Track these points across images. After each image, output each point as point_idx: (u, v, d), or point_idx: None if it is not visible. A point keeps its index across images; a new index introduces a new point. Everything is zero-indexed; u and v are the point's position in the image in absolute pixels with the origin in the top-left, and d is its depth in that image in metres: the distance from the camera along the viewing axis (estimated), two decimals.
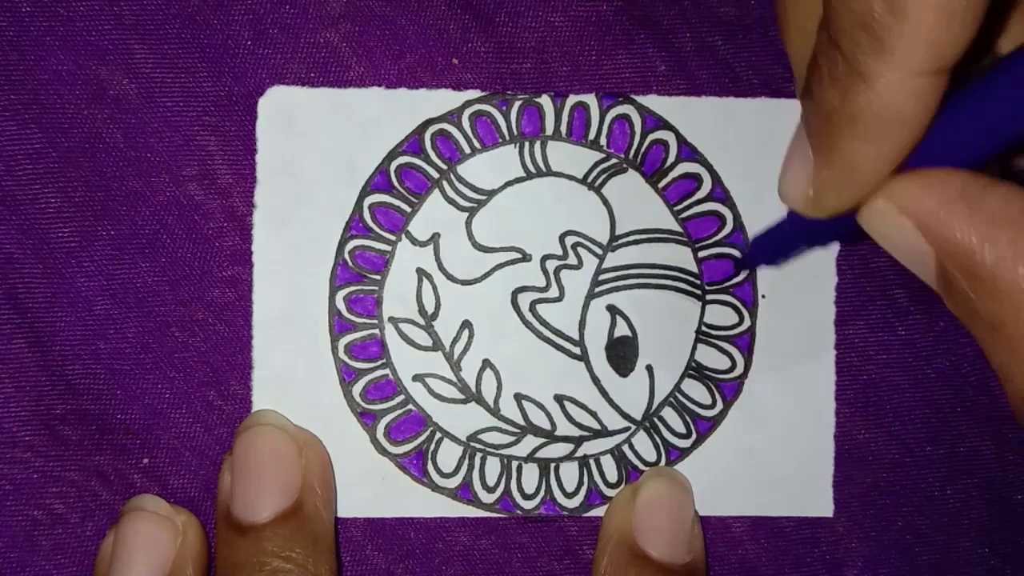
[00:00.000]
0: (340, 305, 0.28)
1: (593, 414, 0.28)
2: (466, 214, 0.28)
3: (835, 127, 0.20)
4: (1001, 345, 0.20)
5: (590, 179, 0.28)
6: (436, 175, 0.28)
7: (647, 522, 0.27)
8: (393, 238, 0.28)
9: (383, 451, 0.28)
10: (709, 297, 0.28)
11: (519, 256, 0.28)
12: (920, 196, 0.20)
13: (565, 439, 0.28)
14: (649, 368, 0.28)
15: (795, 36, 0.24)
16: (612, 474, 0.28)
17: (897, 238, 0.21)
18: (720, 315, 0.28)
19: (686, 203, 0.28)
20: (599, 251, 0.28)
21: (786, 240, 0.26)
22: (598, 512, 0.28)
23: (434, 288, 0.28)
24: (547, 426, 0.28)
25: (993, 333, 0.20)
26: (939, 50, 0.19)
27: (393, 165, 0.28)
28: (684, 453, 0.28)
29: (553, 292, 0.28)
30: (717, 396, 0.28)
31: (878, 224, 0.21)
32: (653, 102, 0.28)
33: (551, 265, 0.28)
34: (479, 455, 0.28)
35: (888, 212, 0.21)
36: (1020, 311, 0.20)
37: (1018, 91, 0.20)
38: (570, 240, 0.28)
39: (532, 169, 0.28)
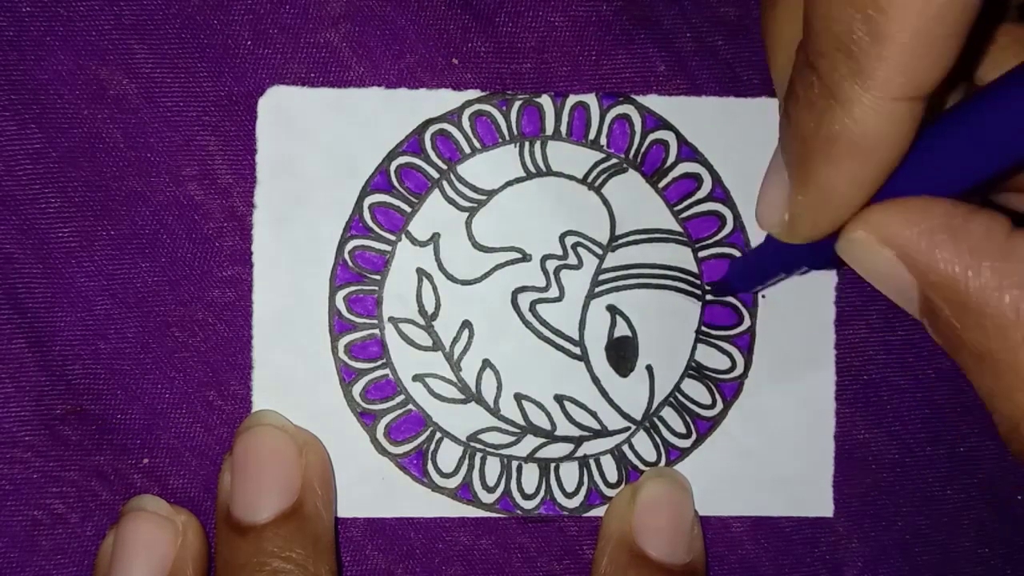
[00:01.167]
0: (340, 305, 0.28)
1: (593, 414, 0.28)
2: (466, 214, 0.28)
3: (811, 152, 0.20)
4: (988, 374, 0.20)
5: (590, 179, 0.28)
6: (436, 175, 0.28)
7: (647, 522, 0.27)
8: (393, 238, 0.28)
9: (383, 451, 0.28)
10: (709, 297, 0.28)
11: (519, 256, 0.28)
12: (901, 226, 0.20)
13: (565, 439, 0.28)
14: (649, 368, 0.28)
15: (779, 60, 0.23)
16: (612, 474, 0.28)
17: (878, 268, 0.21)
18: (720, 315, 0.28)
19: (686, 203, 0.28)
20: (599, 251, 0.28)
21: (763, 266, 0.26)
22: (598, 512, 0.28)
23: (434, 288, 0.28)
24: (547, 426, 0.28)
25: (980, 363, 0.20)
26: (918, 76, 0.19)
27: (393, 165, 0.28)
28: (684, 453, 0.28)
29: (553, 292, 0.28)
30: (717, 396, 0.28)
31: (858, 254, 0.21)
32: (653, 102, 0.28)
33: (551, 265, 0.28)
34: (479, 455, 0.28)
35: (868, 242, 0.21)
36: (1007, 340, 0.19)
37: (999, 120, 0.20)
38: (570, 240, 0.28)
39: (532, 169, 0.28)
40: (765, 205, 0.23)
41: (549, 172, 0.28)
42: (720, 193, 0.28)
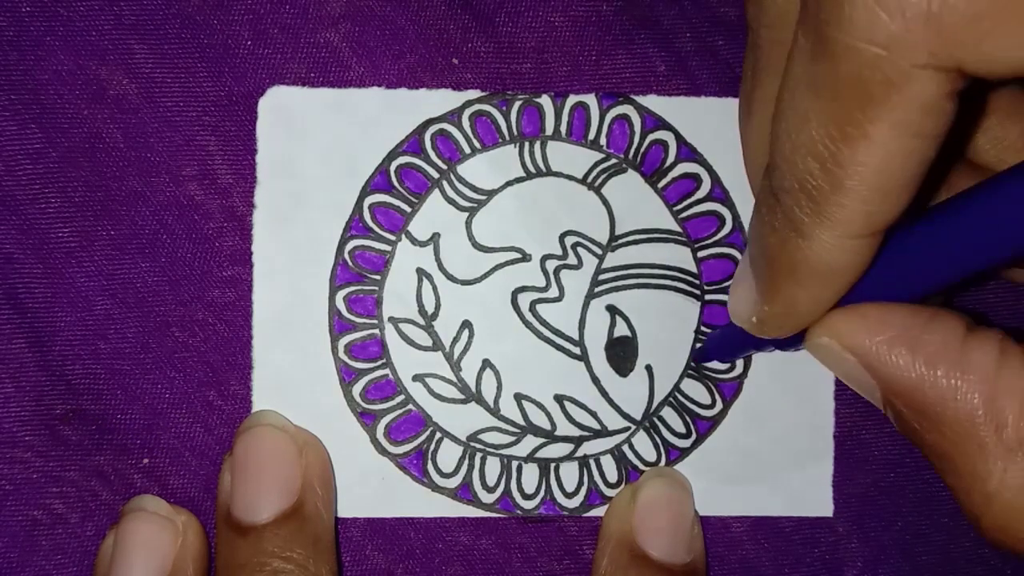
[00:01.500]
0: (340, 305, 0.28)
1: (593, 414, 0.28)
2: (466, 214, 0.28)
3: (775, 272, 0.21)
4: (948, 473, 0.21)
5: (590, 179, 0.28)
6: (436, 175, 0.28)
7: (647, 522, 0.27)
8: (393, 238, 0.28)
9: (383, 451, 0.28)
10: (709, 297, 0.28)
11: (519, 256, 0.28)
12: (861, 334, 0.21)
13: (565, 439, 0.28)
14: (649, 368, 0.28)
15: (754, 170, 0.24)
16: (612, 474, 0.28)
17: (843, 371, 0.22)
18: (720, 315, 0.28)
19: (686, 203, 0.28)
20: (599, 251, 0.28)
21: (737, 344, 0.27)
22: (598, 512, 0.28)
23: (434, 288, 0.28)
24: (547, 426, 0.28)
25: (941, 461, 0.21)
26: (875, 219, 0.19)
27: (393, 165, 0.28)
28: (684, 453, 0.28)
29: (553, 292, 0.28)
30: (717, 396, 0.28)
31: (823, 357, 0.22)
32: (653, 102, 0.28)
33: (551, 265, 0.28)
34: (479, 455, 0.28)
35: (832, 348, 0.22)
36: (964, 446, 0.20)
37: (955, 234, 0.20)
38: (570, 240, 0.28)
39: (532, 169, 0.28)
40: (735, 304, 0.24)
41: (549, 172, 0.28)
42: (719, 193, 0.28)
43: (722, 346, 0.28)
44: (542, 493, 0.28)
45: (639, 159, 0.28)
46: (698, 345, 0.28)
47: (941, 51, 0.17)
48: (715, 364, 0.28)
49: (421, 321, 0.28)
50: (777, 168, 0.20)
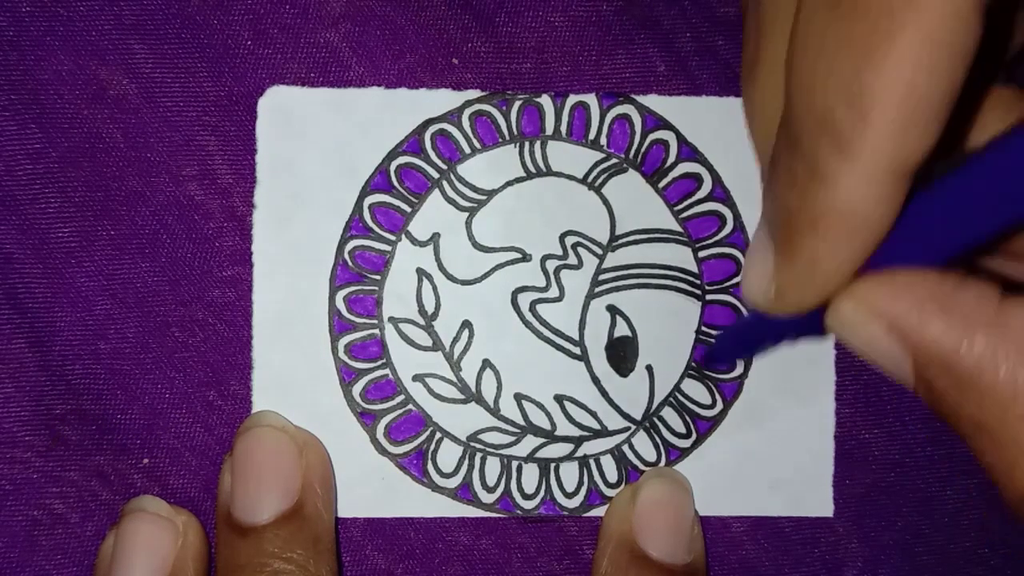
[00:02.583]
0: (340, 305, 0.28)
1: (593, 414, 0.28)
2: (466, 214, 0.28)
3: (796, 227, 0.20)
4: (988, 448, 0.20)
5: (590, 179, 0.28)
6: (436, 175, 0.28)
7: (647, 522, 0.27)
8: (393, 238, 0.28)
9: (383, 451, 0.28)
10: (709, 297, 0.28)
11: (519, 256, 0.28)
12: (890, 299, 0.20)
13: (565, 439, 0.28)
14: (649, 368, 0.28)
15: (761, 131, 0.23)
16: (612, 474, 0.28)
17: (869, 342, 0.21)
18: (720, 315, 0.28)
19: (686, 203, 0.28)
20: (599, 251, 0.28)
21: (751, 338, 0.26)
22: (598, 512, 0.28)
23: (434, 288, 0.28)
24: (547, 426, 0.28)
25: (980, 434, 0.20)
26: (902, 155, 0.18)
27: (393, 165, 0.28)
28: (684, 453, 0.28)
29: (553, 292, 0.28)
30: (717, 396, 0.28)
31: (848, 328, 0.21)
32: (653, 102, 0.28)
33: (551, 265, 0.28)
34: (479, 455, 0.28)
35: (858, 316, 0.20)
36: (1006, 414, 0.19)
37: (985, 187, 0.19)
38: (570, 240, 0.28)
39: (532, 169, 0.28)
40: (751, 278, 0.22)
41: (549, 172, 0.28)
42: (720, 193, 0.28)
43: (733, 344, 0.27)
44: (542, 493, 0.28)
45: (640, 159, 0.28)
46: (699, 346, 0.28)
47: None
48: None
49: (421, 321, 0.28)
50: (795, 110, 0.19)
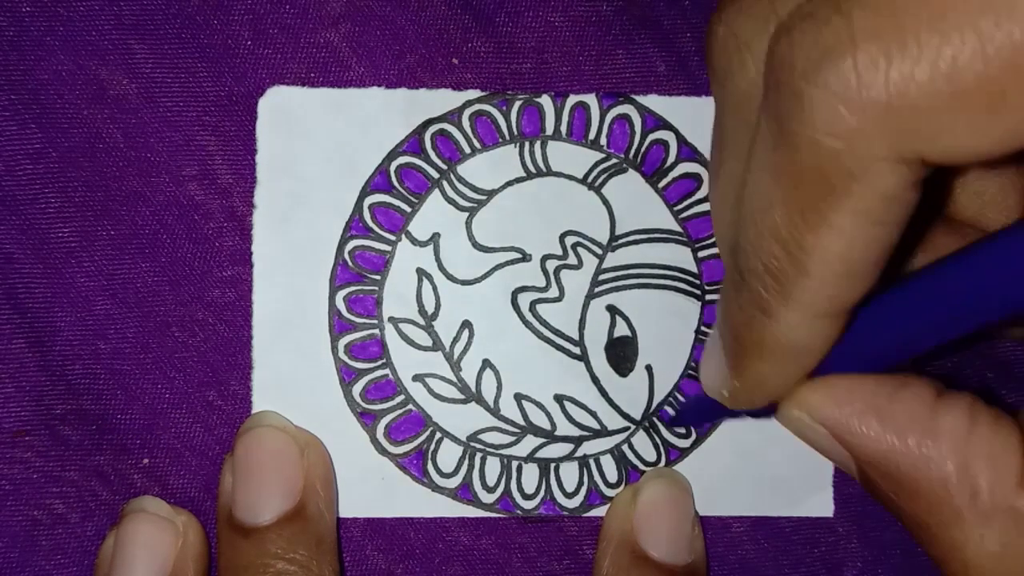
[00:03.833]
0: (340, 305, 0.28)
1: (593, 414, 0.28)
2: (466, 214, 0.28)
3: (743, 349, 0.21)
4: (928, 543, 0.21)
5: (590, 179, 0.28)
6: (436, 175, 0.28)
7: (648, 523, 0.27)
8: (393, 238, 0.28)
9: (383, 451, 0.28)
10: (709, 297, 0.28)
11: (519, 256, 0.28)
12: (830, 407, 0.21)
13: (565, 439, 0.28)
14: (649, 368, 0.28)
15: (721, 229, 0.24)
16: (612, 474, 0.28)
17: (815, 442, 0.22)
18: None
19: (686, 203, 0.28)
20: (599, 251, 0.28)
21: (710, 411, 0.27)
22: (598, 512, 0.28)
23: (434, 288, 0.28)
24: (547, 426, 0.28)
25: (920, 532, 0.21)
26: (839, 301, 0.19)
27: (393, 165, 0.28)
28: (684, 453, 0.28)
29: (553, 292, 0.28)
30: None
31: (795, 429, 0.22)
32: (653, 102, 0.28)
33: (551, 265, 0.28)
34: (479, 455, 0.28)
35: (803, 420, 0.22)
36: (941, 515, 0.20)
37: (922, 306, 0.20)
38: (570, 240, 0.28)
39: (532, 169, 0.28)
40: (707, 375, 0.24)
41: (549, 172, 0.28)
42: None
43: (695, 413, 0.28)
44: (542, 493, 0.28)
45: (640, 159, 0.28)
46: (699, 346, 0.28)
47: (901, 143, 0.17)
48: None
49: (421, 321, 0.28)
50: (742, 249, 0.20)
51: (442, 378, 0.28)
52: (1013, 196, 0.25)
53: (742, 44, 0.21)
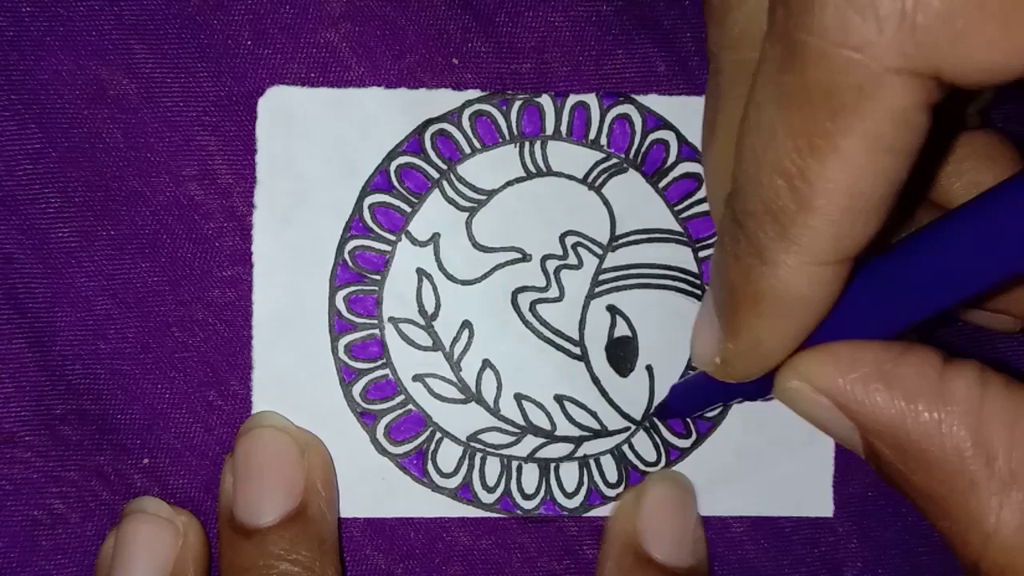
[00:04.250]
0: (340, 305, 0.28)
1: (593, 414, 0.28)
2: (466, 214, 0.28)
3: (739, 304, 0.20)
4: (940, 517, 0.20)
5: (590, 179, 0.28)
6: (436, 175, 0.28)
7: (652, 525, 0.27)
8: (393, 238, 0.28)
9: (383, 451, 0.28)
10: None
11: (519, 256, 0.28)
12: (832, 375, 0.20)
13: (565, 439, 0.28)
14: (649, 368, 0.28)
15: (716, 194, 0.23)
16: (612, 474, 0.28)
17: (816, 415, 0.21)
18: None
19: (687, 203, 0.28)
20: (599, 251, 0.28)
21: (702, 395, 0.26)
22: (598, 512, 0.28)
23: (434, 288, 0.28)
24: (547, 426, 0.28)
25: (930, 504, 0.20)
26: (844, 243, 0.18)
27: (393, 165, 0.28)
28: (684, 453, 0.28)
29: (553, 292, 0.28)
30: None
31: (794, 402, 0.21)
32: (654, 102, 0.28)
33: (551, 265, 0.28)
34: (479, 455, 0.28)
35: (803, 391, 0.21)
36: (954, 484, 0.19)
37: (924, 268, 0.19)
38: (570, 240, 0.28)
39: (532, 169, 0.28)
40: (698, 345, 0.23)
41: (549, 172, 0.28)
42: None
43: (685, 399, 0.27)
44: (542, 493, 0.28)
45: (640, 159, 0.28)
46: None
47: (916, 53, 0.16)
48: None
49: (421, 321, 0.28)
50: (741, 190, 0.19)
51: (442, 378, 0.28)
52: None
53: None
